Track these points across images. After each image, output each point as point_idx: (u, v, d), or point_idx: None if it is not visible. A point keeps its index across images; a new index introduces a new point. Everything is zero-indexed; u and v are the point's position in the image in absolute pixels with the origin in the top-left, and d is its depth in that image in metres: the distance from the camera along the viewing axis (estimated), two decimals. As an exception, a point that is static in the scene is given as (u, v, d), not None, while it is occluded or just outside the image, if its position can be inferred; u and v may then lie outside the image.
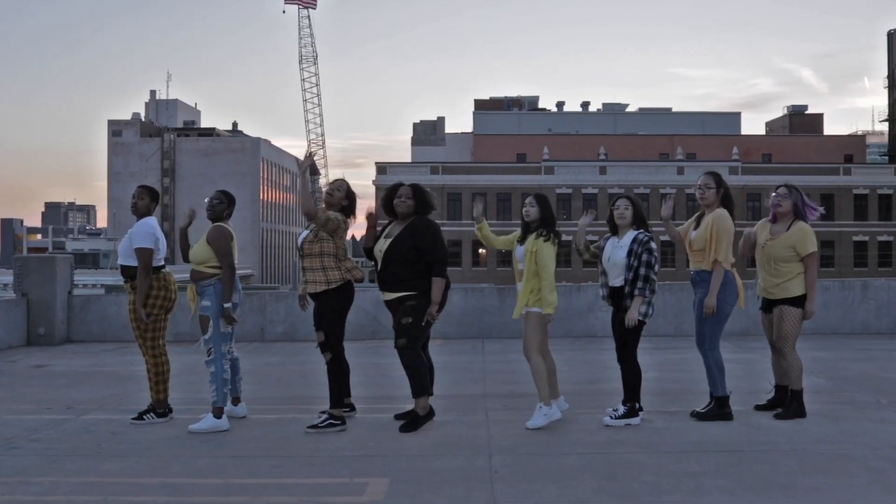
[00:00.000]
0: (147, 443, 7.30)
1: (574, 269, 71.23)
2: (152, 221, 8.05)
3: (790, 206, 7.94)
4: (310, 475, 6.23)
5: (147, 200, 8.14)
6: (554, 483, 5.89)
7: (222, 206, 7.90)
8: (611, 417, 7.63)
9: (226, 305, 7.69)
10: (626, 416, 7.59)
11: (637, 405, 7.66)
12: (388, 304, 7.62)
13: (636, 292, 7.44)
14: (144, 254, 7.86)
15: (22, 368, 12.38)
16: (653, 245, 7.50)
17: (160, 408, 8.07)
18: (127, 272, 8.01)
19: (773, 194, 8.08)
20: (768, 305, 8.10)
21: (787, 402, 7.97)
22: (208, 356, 7.77)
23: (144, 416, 8.01)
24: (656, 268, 7.43)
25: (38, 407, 9.14)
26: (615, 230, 7.83)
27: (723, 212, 7.76)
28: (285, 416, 8.31)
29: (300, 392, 9.70)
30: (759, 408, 8.19)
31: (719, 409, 7.76)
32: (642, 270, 7.43)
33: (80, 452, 7.02)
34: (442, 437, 7.35)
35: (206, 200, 7.91)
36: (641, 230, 7.65)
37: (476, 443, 7.09)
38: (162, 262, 8.09)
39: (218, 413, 7.70)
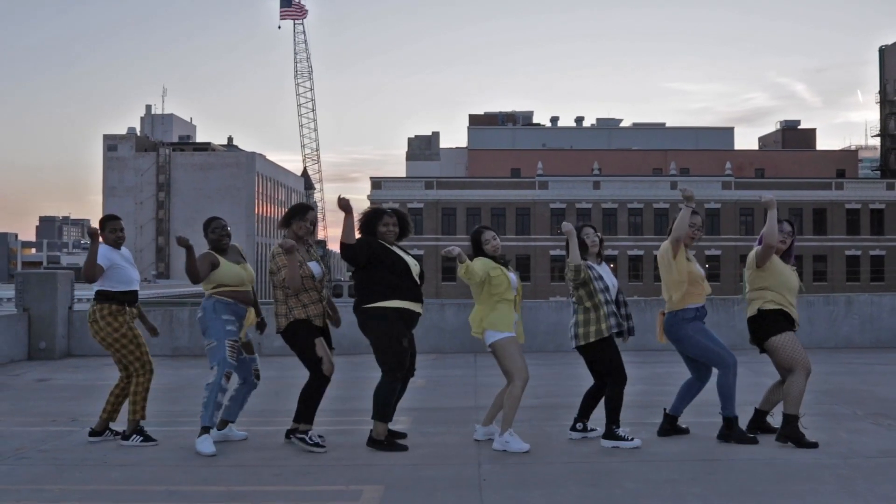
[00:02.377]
0: (151, 453, 7.63)
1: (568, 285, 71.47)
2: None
3: (789, 244, 7.93)
4: (308, 483, 6.56)
5: None
6: (539, 490, 6.23)
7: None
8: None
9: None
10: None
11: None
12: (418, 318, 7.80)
13: None
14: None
15: (25, 382, 12.69)
16: None
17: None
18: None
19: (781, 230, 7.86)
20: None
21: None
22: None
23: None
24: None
25: (44, 419, 9.47)
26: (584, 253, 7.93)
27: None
28: (284, 428, 8.61)
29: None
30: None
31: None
32: None
33: (87, 462, 7.35)
34: (433, 447, 7.69)
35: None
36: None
37: (466, 453, 7.43)
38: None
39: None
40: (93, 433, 8.16)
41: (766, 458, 7.09)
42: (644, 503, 5.88)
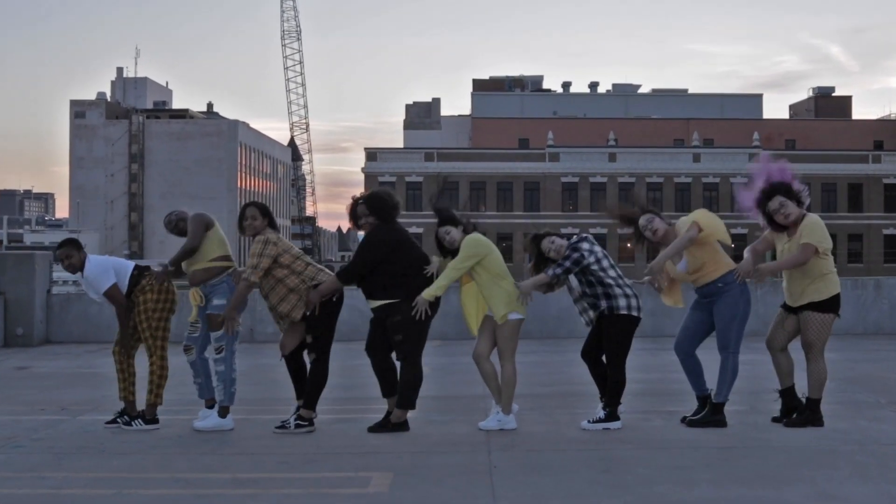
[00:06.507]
0: (151, 441, 8.17)
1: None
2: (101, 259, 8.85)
3: (794, 209, 8.20)
4: (316, 470, 7.11)
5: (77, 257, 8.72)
6: (551, 476, 6.77)
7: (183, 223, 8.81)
8: (588, 422, 8.40)
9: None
10: (606, 419, 8.38)
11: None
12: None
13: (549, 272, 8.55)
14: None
15: (5, 370, 13.23)
16: (581, 244, 8.43)
17: (149, 414, 8.76)
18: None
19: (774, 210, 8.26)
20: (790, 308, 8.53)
21: (801, 409, 8.42)
22: (218, 354, 8.62)
23: (133, 423, 8.69)
24: (603, 263, 8.51)
25: (32, 408, 9.99)
26: None
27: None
28: (285, 416, 9.14)
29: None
30: (776, 420, 8.54)
31: (713, 415, 8.35)
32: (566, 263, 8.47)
33: (85, 451, 7.88)
34: (442, 435, 8.23)
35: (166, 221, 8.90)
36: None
37: (475, 441, 7.97)
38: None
39: (223, 412, 8.56)
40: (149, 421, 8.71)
41: (781, 445, 7.63)
42: (655, 489, 6.42)
